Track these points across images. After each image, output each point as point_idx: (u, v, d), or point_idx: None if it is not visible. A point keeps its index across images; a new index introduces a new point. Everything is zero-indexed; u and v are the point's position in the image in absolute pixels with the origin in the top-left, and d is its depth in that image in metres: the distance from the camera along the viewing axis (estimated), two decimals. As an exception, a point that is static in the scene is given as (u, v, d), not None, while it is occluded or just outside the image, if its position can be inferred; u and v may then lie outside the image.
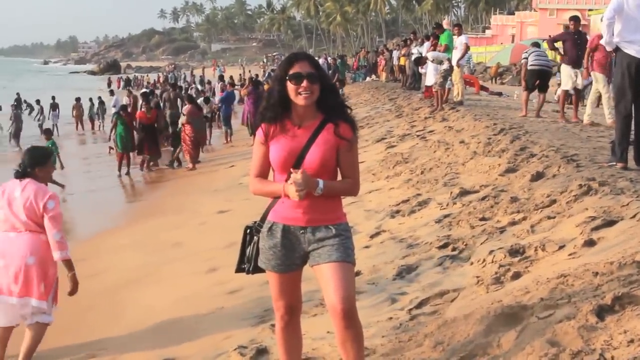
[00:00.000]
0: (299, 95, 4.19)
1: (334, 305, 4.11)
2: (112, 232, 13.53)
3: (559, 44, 16.59)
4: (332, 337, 5.58)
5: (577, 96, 16.71)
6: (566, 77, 16.25)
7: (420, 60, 21.91)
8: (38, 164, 6.86)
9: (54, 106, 35.79)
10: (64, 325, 8.24)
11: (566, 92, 16.58)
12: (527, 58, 17.69)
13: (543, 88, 17.62)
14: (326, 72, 4.56)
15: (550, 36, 21.59)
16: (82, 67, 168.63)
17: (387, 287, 6.89)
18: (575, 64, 15.94)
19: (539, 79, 17.48)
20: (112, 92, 40.54)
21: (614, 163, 9.05)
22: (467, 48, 20.15)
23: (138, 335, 7.32)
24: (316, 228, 4.25)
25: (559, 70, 28.95)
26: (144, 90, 31.26)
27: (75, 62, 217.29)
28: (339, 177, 4.38)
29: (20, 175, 6.82)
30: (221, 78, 42.93)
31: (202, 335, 6.92)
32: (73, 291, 6.86)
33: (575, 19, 16.34)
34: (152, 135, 21.53)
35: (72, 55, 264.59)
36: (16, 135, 30.56)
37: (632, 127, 9.08)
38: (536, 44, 19.14)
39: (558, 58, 19.35)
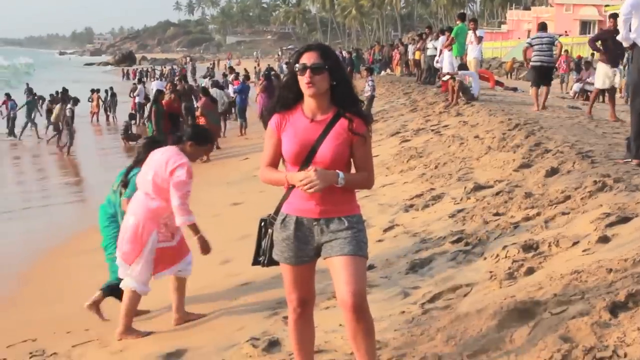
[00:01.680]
0: (304, 85, 4.20)
1: (344, 299, 4.12)
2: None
3: (599, 43, 16.43)
4: (344, 329, 5.57)
5: (612, 95, 16.72)
6: (602, 76, 16.12)
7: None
8: (194, 139, 7.05)
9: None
10: (79, 313, 8.30)
11: (599, 91, 16.64)
12: (530, 44, 17.97)
13: (546, 82, 17.85)
14: (342, 64, 4.52)
15: (562, 33, 21.63)
16: (97, 58, 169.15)
17: (400, 281, 6.89)
18: (615, 62, 15.88)
19: (541, 74, 17.68)
20: (139, 81, 40.70)
21: (630, 160, 9.01)
22: (480, 40, 20.14)
23: (151, 325, 7.35)
24: (329, 220, 4.25)
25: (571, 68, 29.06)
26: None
27: (91, 53, 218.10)
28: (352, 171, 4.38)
29: (174, 141, 7.13)
30: (231, 70, 42.76)
31: (214, 327, 6.94)
32: (203, 250, 7.09)
33: (615, 17, 16.24)
34: (177, 126, 21.45)
35: (87, 47, 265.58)
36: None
37: None
38: (543, 26, 18.80)
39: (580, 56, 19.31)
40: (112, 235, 7.64)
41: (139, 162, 7.45)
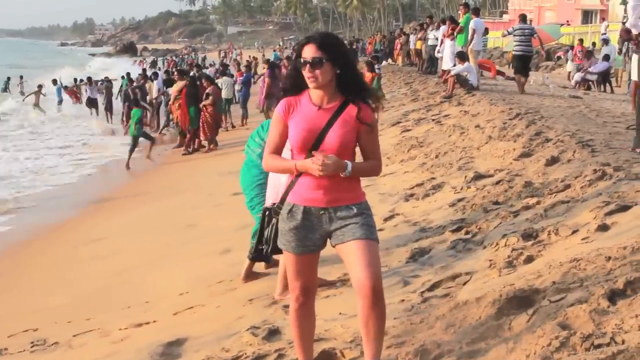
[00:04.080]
0: (307, 80, 4.22)
1: (363, 282, 4.11)
2: (128, 212, 13.60)
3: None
4: (344, 318, 5.62)
5: None
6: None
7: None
8: None
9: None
10: (79, 303, 8.33)
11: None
12: (511, 34, 20.15)
13: (525, 72, 19.84)
14: (346, 51, 4.49)
15: (563, 22, 22.06)
16: (99, 49, 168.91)
17: (400, 270, 6.90)
18: None
19: (522, 62, 19.57)
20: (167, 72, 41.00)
21: (637, 149, 9.00)
22: (474, 33, 20.16)
23: (150, 314, 7.37)
24: (337, 208, 4.26)
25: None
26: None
27: (92, 44, 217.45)
28: (358, 158, 4.39)
29: None
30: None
31: (214, 316, 6.95)
32: None
33: None
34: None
35: (88, 37, 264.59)
36: (108, 108, 32.16)
37: None
38: (524, 18, 20.95)
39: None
40: (258, 193, 7.56)
41: None
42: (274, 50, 67.26)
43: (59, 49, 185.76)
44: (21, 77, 47.00)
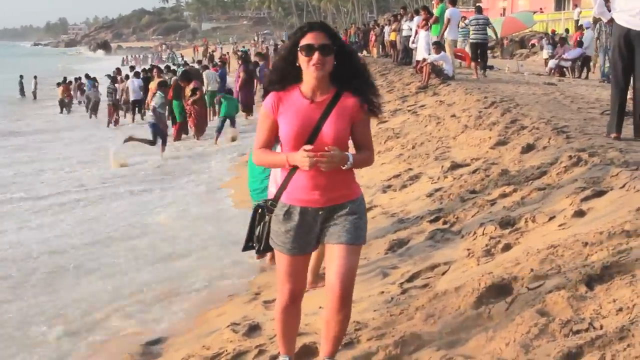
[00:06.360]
0: (310, 67, 4.03)
1: (333, 287, 4.08)
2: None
3: None
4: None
5: None
6: None
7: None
8: None
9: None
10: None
11: None
12: (468, 25, 22.30)
13: (483, 57, 21.68)
14: (344, 42, 4.28)
15: (537, 10, 22.74)
16: (73, 49, 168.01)
17: (378, 262, 6.91)
18: None
19: (479, 49, 21.32)
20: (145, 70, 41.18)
21: (611, 134, 9.05)
22: (448, 22, 20.26)
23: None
24: (334, 207, 4.16)
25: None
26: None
27: (66, 44, 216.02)
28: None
29: None
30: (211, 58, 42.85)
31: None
32: None
33: None
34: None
35: (62, 37, 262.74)
36: (94, 108, 32.99)
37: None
38: (479, 9, 23.23)
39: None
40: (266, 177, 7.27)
41: None
42: (242, 47, 67.29)
43: (33, 49, 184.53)
44: (35, 77, 46.59)
